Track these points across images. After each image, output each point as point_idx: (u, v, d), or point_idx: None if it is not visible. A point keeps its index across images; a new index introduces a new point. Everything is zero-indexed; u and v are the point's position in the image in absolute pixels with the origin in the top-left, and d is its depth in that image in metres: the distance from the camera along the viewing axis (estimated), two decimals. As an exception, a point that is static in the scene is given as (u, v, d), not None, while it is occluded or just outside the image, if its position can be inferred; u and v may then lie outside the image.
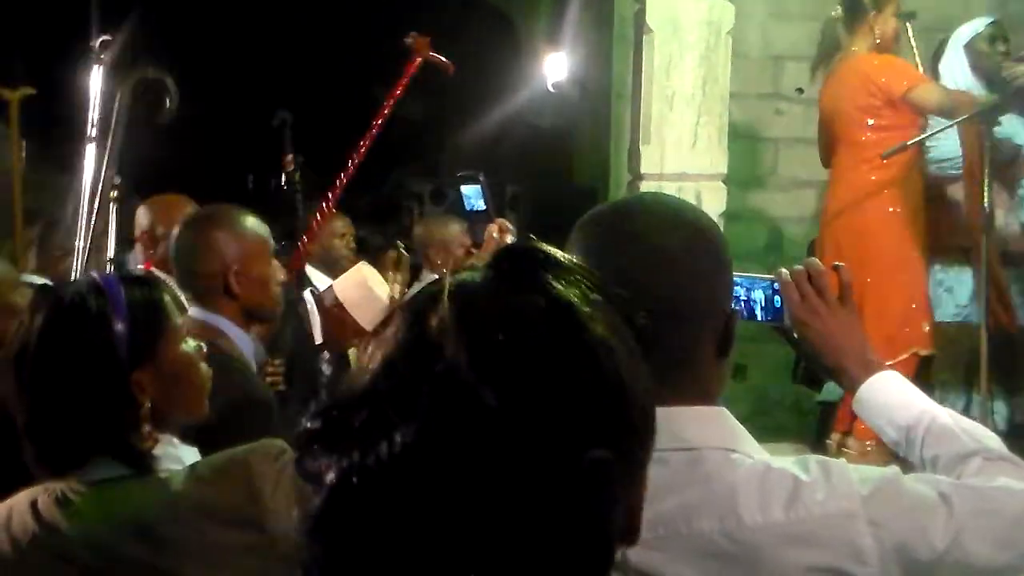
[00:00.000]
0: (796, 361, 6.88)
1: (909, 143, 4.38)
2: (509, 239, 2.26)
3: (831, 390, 6.32)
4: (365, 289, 3.27)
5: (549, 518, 0.70)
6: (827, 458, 1.30)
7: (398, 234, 6.51)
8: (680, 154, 4.94)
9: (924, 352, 4.73)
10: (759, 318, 1.59)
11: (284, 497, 1.73)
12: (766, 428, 6.99)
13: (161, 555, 1.59)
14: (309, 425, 0.73)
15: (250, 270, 2.50)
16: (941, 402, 4.65)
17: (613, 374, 0.74)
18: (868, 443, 4.61)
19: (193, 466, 1.69)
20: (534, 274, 0.74)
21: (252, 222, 2.59)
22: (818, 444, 5.80)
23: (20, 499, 1.66)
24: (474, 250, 2.35)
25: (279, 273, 2.66)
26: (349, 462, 0.69)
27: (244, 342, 2.48)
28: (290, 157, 4.52)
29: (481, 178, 2.83)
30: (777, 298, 1.52)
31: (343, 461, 0.69)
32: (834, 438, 4.92)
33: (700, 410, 1.28)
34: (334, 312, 3.32)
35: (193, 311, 2.40)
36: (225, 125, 9.45)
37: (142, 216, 3.62)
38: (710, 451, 1.26)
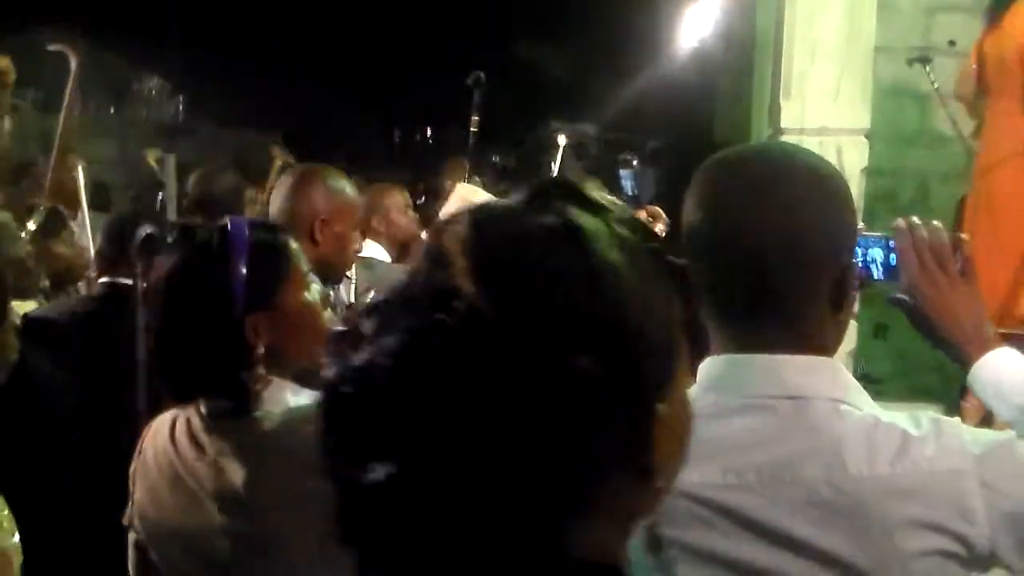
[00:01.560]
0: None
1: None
2: (660, 227, 2.27)
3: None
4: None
5: (534, 426, 0.71)
6: (941, 416, 1.27)
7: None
8: (822, 108, 4.89)
9: None
10: (875, 277, 1.52)
11: None
12: (909, 389, 6.90)
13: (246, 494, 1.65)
14: (334, 330, 0.77)
15: (334, 224, 2.70)
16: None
17: (613, 296, 0.74)
18: None
19: (288, 411, 1.70)
20: (557, 202, 0.78)
21: (346, 185, 2.80)
22: (959, 408, 5.70)
23: (166, 417, 1.80)
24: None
25: (358, 241, 2.88)
26: (355, 365, 0.73)
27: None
28: (475, 119, 4.55)
29: (635, 163, 2.76)
30: (893, 256, 1.45)
31: (352, 363, 0.73)
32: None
33: (810, 360, 1.27)
34: None
35: None
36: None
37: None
38: (818, 401, 1.24)
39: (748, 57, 6.61)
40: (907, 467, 1.19)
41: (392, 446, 0.72)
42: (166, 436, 1.76)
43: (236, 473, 1.65)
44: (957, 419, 1.29)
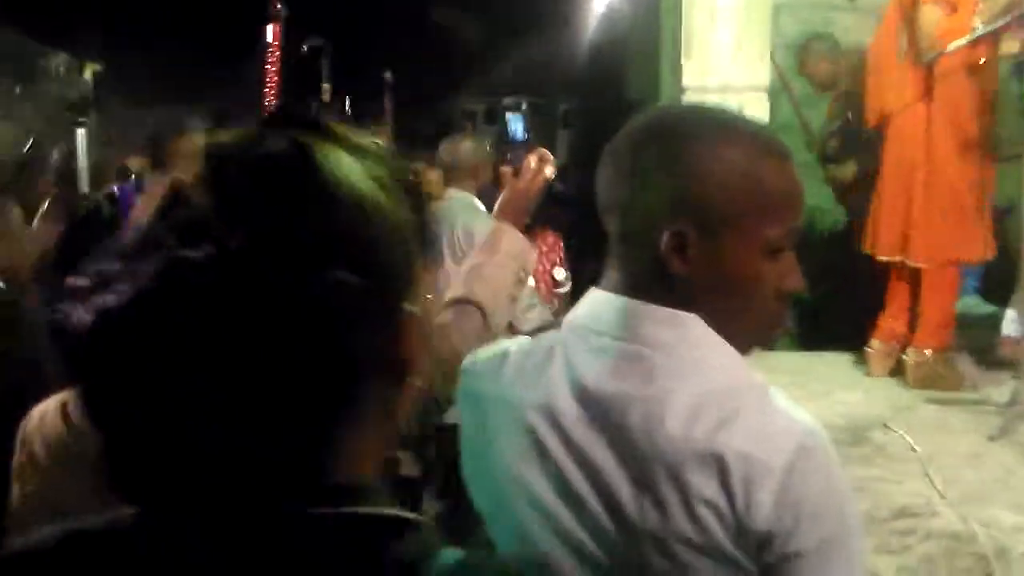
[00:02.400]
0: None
1: (949, 48, 4.32)
2: (549, 170, 2.28)
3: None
4: None
5: (294, 342, 0.74)
6: (789, 402, 1.24)
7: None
8: (722, 66, 4.96)
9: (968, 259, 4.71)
10: None
11: None
12: (826, 336, 7.06)
13: None
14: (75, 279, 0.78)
15: None
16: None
17: (349, 209, 0.78)
18: (925, 352, 4.66)
19: None
20: (290, 130, 0.81)
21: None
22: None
23: (52, 402, 1.79)
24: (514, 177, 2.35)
25: None
26: (108, 308, 0.74)
27: None
28: (326, 86, 4.58)
29: (524, 106, 2.77)
30: None
31: (105, 307, 0.74)
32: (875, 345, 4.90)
33: (669, 312, 1.27)
34: None
35: None
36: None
37: None
38: (660, 351, 1.25)
39: (656, 17, 6.67)
40: (719, 440, 1.18)
41: (153, 385, 0.74)
42: (58, 423, 1.75)
43: None
44: (802, 410, 1.24)
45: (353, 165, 0.81)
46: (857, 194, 5.56)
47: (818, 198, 5.96)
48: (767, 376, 1.28)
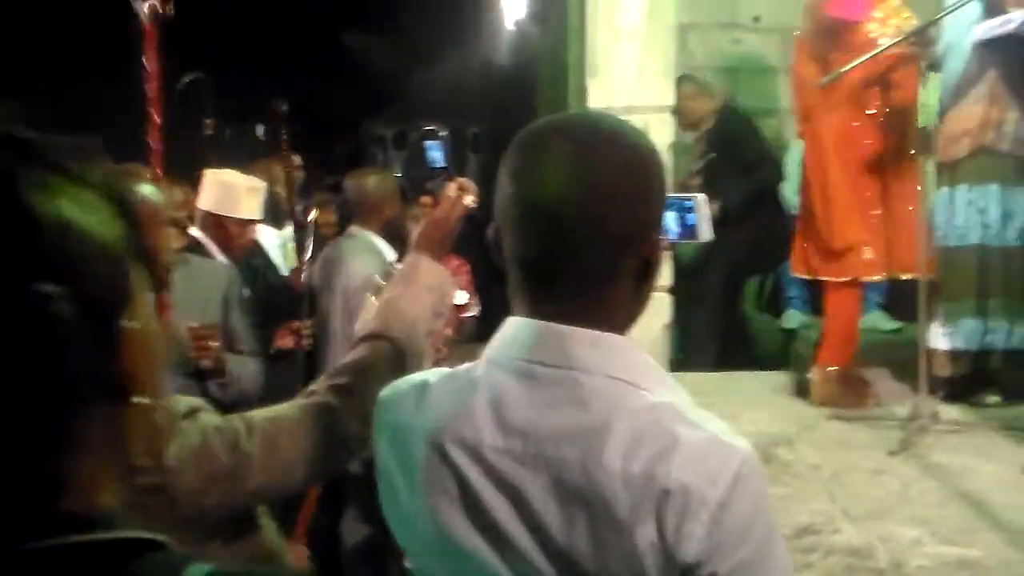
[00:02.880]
0: (759, 290, 7.01)
1: (848, 67, 4.37)
2: (469, 199, 2.23)
3: (792, 318, 6.44)
4: None
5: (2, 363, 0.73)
6: (724, 430, 1.20)
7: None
8: (627, 87, 4.97)
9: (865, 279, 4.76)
10: (672, 237, 1.56)
11: (189, 457, 1.76)
12: (735, 357, 7.12)
13: None
14: None
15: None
16: (950, 326, 4.53)
17: (56, 236, 0.77)
18: (830, 370, 4.70)
19: None
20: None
21: (145, 190, 2.60)
22: (782, 369, 5.90)
23: None
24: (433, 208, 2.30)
25: (171, 241, 2.72)
26: None
27: None
28: (208, 121, 4.50)
29: (442, 134, 2.70)
30: (691, 216, 1.53)
31: None
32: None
33: (600, 335, 1.23)
34: None
35: None
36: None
37: None
38: (596, 377, 1.21)
39: (563, 39, 6.69)
40: (658, 472, 1.14)
41: None
42: None
43: None
44: (743, 442, 1.19)
45: (61, 188, 0.79)
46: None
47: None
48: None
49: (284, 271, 4.98)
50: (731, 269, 6.35)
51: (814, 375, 4.71)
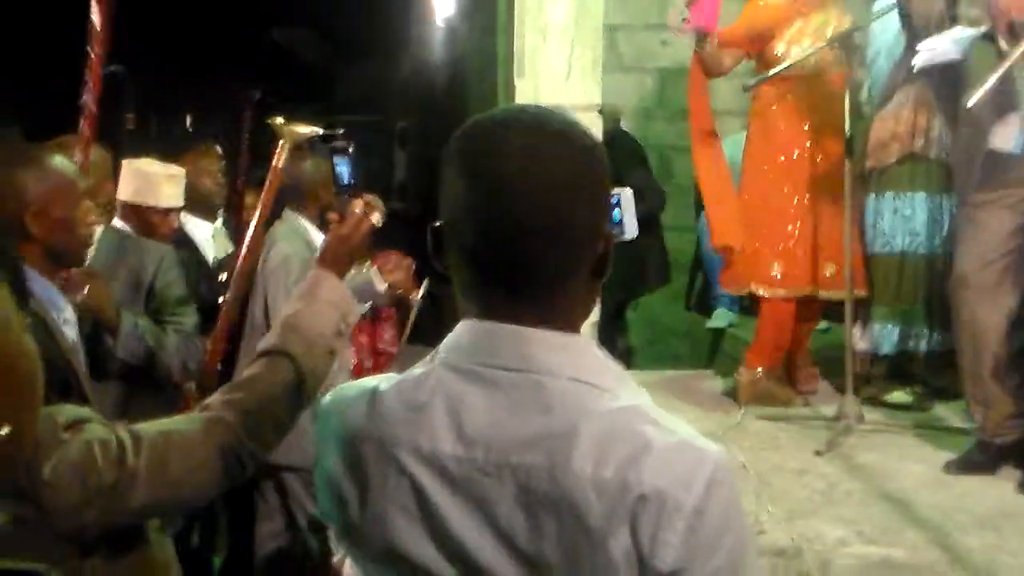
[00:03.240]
0: (688, 289, 7.05)
1: (770, 73, 4.39)
2: (376, 217, 2.19)
3: (720, 317, 6.49)
4: None
5: None
6: (693, 433, 1.16)
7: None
8: (554, 86, 4.94)
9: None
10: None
11: (68, 471, 1.68)
12: (660, 356, 7.16)
13: None
14: None
15: (52, 211, 2.40)
16: (872, 330, 4.51)
17: None
18: (758, 371, 4.72)
19: None
20: None
21: (58, 161, 2.47)
22: (708, 369, 5.94)
23: None
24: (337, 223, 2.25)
25: (89, 215, 2.55)
26: None
27: (44, 289, 2.38)
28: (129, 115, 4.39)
29: (350, 150, 2.59)
30: (617, 211, 1.52)
31: None
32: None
33: (561, 337, 1.20)
34: None
35: None
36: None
37: None
38: (560, 381, 1.17)
39: (491, 36, 6.66)
40: (630, 478, 1.10)
41: None
42: None
43: None
44: (714, 447, 1.14)
45: None
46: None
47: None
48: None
49: (212, 261, 4.90)
50: (613, 293, 6.40)
51: (741, 376, 4.73)
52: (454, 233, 1.22)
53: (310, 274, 2.06)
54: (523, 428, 1.15)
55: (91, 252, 2.93)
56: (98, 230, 3.16)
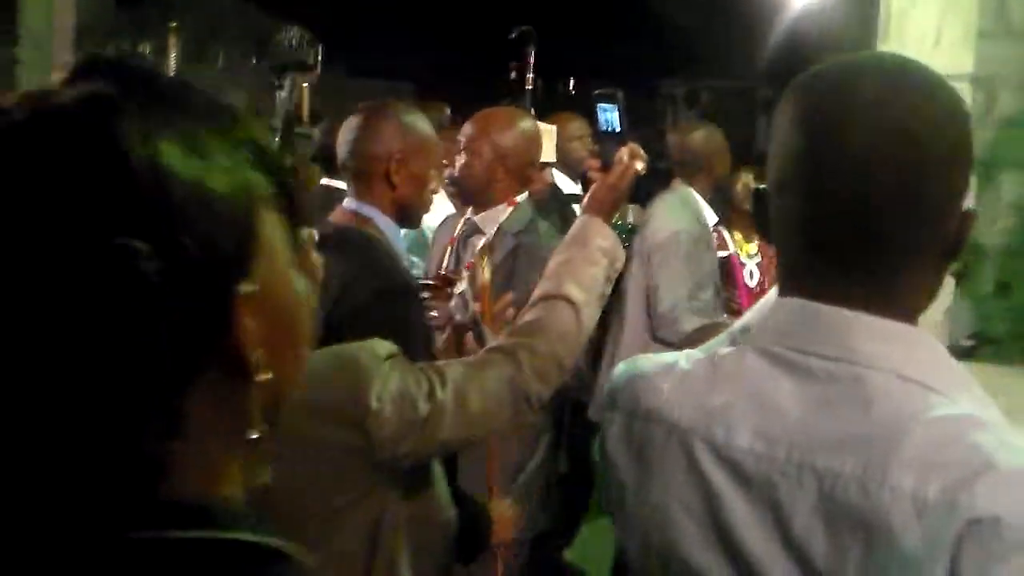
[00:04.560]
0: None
1: None
2: (639, 165, 2.20)
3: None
4: None
5: (87, 328, 0.64)
6: None
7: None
8: (922, 52, 4.61)
9: None
10: None
11: (391, 401, 1.79)
12: (1029, 351, 6.54)
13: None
14: None
15: (410, 163, 2.51)
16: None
17: (148, 170, 0.67)
18: None
19: None
20: (103, 80, 0.70)
21: (421, 120, 2.60)
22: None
23: None
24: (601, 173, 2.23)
25: (437, 180, 2.66)
26: None
27: (393, 232, 2.50)
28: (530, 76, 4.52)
29: (620, 95, 2.60)
30: None
31: None
32: None
33: (891, 325, 1.05)
34: None
35: (347, 202, 2.50)
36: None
37: None
38: (883, 375, 1.02)
39: (868, 3, 6.32)
40: (961, 499, 0.93)
41: None
42: None
43: None
44: None
45: (171, 128, 0.70)
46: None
47: None
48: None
49: None
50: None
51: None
52: (783, 194, 1.10)
53: (579, 219, 2.10)
54: (835, 428, 1.02)
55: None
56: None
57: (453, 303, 2.57)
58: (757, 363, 1.09)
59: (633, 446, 1.17)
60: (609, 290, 2.10)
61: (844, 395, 1.03)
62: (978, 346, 6.50)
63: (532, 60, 4.64)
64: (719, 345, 1.18)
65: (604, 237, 2.07)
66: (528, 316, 2.01)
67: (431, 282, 2.83)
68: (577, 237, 2.08)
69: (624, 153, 2.13)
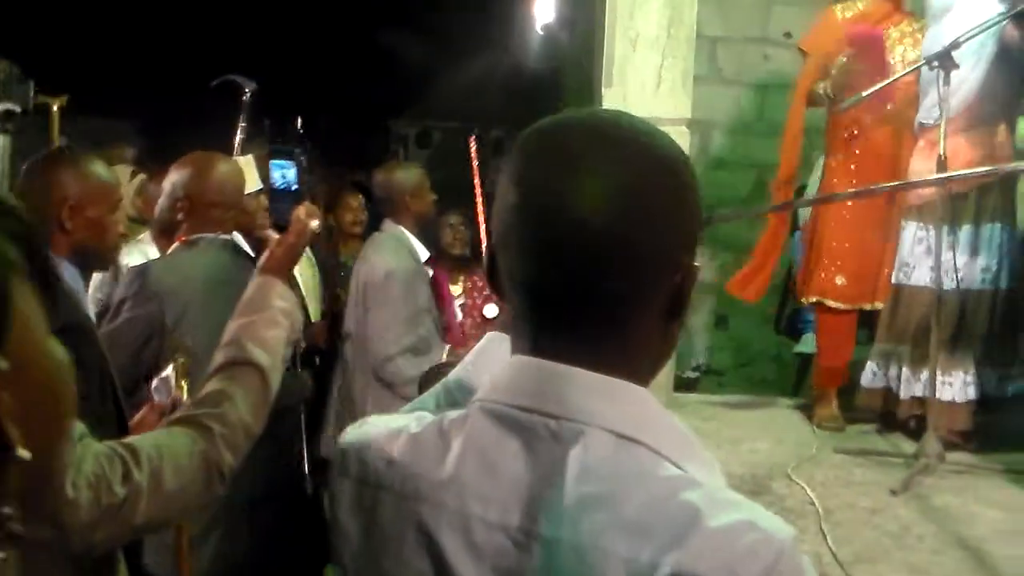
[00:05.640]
0: (779, 312, 6.83)
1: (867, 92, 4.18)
2: (315, 224, 2.20)
3: (808, 342, 6.27)
4: None
5: None
6: (764, 513, 0.95)
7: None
8: (643, 97, 4.82)
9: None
10: None
11: (87, 487, 1.64)
12: (748, 379, 6.96)
13: None
14: None
15: (86, 209, 2.53)
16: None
17: None
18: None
19: None
20: None
21: (100, 167, 2.62)
22: (795, 395, 5.75)
23: None
24: (277, 233, 2.31)
25: (119, 226, 2.68)
26: None
27: (71, 275, 2.49)
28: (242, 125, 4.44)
29: (298, 153, 2.52)
30: None
31: None
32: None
33: (610, 382, 1.01)
34: None
35: None
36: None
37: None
38: (597, 432, 0.99)
39: (588, 47, 6.56)
40: (665, 559, 0.90)
41: None
42: None
43: None
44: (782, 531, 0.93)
45: None
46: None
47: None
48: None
49: None
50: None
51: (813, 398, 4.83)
52: (505, 251, 1.05)
53: (257, 282, 2.07)
54: (555, 492, 0.98)
55: None
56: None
57: (154, 385, 2.50)
58: (485, 424, 1.04)
59: (363, 514, 1.11)
60: (290, 353, 2.08)
61: (566, 456, 0.99)
62: (702, 377, 6.85)
63: (245, 101, 4.53)
64: (438, 395, 1.17)
65: (284, 298, 2.03)
66: (214, 384, 1.92)
67: None
68: (255, 299, 2.02)
69: (301, 212, 2.15)
